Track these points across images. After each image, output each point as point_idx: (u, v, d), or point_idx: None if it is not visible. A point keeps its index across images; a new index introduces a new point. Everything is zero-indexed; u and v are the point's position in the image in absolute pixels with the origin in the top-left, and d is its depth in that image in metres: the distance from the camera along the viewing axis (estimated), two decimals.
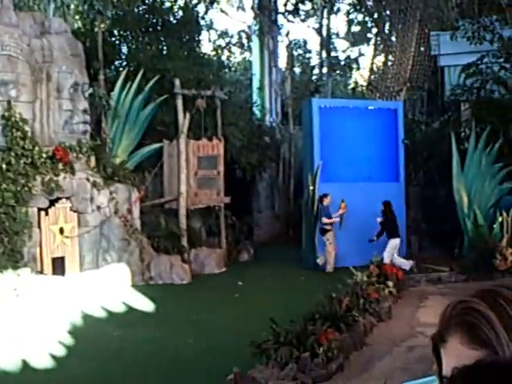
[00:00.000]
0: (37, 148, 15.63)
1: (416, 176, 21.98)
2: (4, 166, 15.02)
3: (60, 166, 16.06)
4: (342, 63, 36.66)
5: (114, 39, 21.28)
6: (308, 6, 32.97)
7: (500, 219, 18.45)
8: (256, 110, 26.26)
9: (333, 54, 34.84)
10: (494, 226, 18.56)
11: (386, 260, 16.80)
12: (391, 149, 20.23)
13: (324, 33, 32.60)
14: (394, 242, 17.76)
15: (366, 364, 11.09)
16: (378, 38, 29.52)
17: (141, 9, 21.85)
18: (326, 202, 18.92)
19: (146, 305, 14.88)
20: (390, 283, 15.07)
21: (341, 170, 19.63)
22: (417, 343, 12.04)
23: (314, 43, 53.04)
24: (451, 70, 23.32)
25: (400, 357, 11.35)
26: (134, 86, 18.93)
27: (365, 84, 31.62)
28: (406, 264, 17.62)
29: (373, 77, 28.06)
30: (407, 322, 13.59)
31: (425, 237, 21.02)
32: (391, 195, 19.57)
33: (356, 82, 37.35)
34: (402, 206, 19.84)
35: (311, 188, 19.05)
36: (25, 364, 11.22)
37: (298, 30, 42.60)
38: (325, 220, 18.68)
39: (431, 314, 14.08)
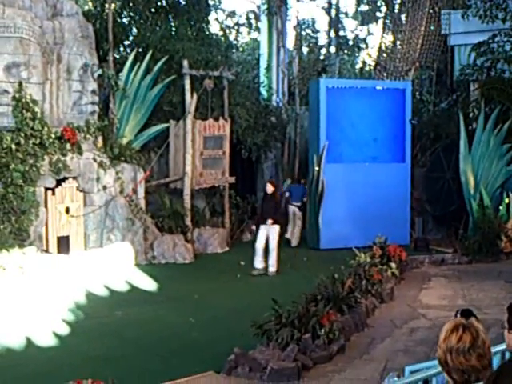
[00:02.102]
0: (46, 128, 15.75)
1: (422, 157, 21.92)
2: (13, 146, 15.16)
3: (68, 146, 16.18)
4: (350, 43, 36.47)
5: (123, 20, 21.29)
6: None
7: (506, 201, 18.44)
8: (263, 90, 26.19)
9: (341, 33, 34.69)
10: (500, 207, 18.55)
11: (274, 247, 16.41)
12: (398, 129, 20.19)
13: (333, 12, 32.43)
14: (278, 229, 16.63)
15: (368, 346, 11.15)
16: (387, 17, 29.32)
17: None
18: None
19: (148, 284, 14.99)
20: (393, 265, 15.11)
21: (347, 151, 19.64)
22: (419, 325, 12.09)
23: (322, 23, 52.77)
24: (461, 49, 23.18)
25: (402, 339, 11.40)
26: (143, 66, 18.96)
27: (373, 64, 31.43)
28: (273, 267, 16.47)
29: (381, 56, 27.90)
30: (409, 304, 13.63)
31: (429, 218, 21.00)
32: (397, 176, 19.60)
33: (364, 62, 37.19)
34: (407, 187, 19.85)
35: (316, 168, 19.06)
36: (28, 341, 11.34)
37: (307, 10, 42.21)
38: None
39: (434, 295, 14.14)
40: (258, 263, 16.21)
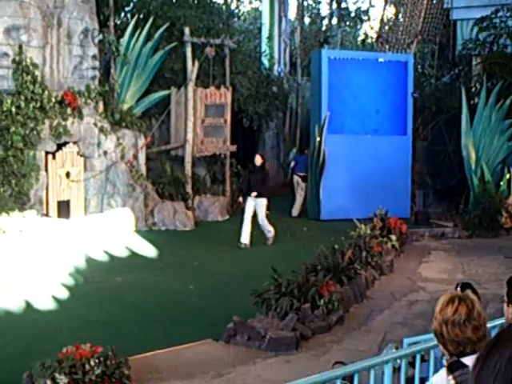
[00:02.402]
0: (46, 92, 15.66)
1: (424, 130, 21.86)
2: (14, 109, 15.09)
3: (68, 110, 16.10)
4: (352, 14, 36.19)
5: None
6: None
7: (507, 176, 18.41)
8: (264, 60, 26.06)
9: (343, 4, 34.38)
10: (501, 182, 18.52)
11: (263, 220, 16.31)
12: (400, 102, 20.11)
13: None
14: (265, 202, 16.34)
15: (366, 317, 11.19)
16: None
17: None
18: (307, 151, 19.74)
19: (148, 250, 14.99)
20: (393, 237, 15.12)
21: (348, 122, 19.57)
22: (418, 298, 12.13)
23: None
24: (464, 23, 23.02)
25: (400, 311, 11.44)
26: (144, 33, 18.81)
27: (375, 36, 31.24)
28: (270, 232, 16.45)
29: (383, 29, 27.72)
30: (409, 277, 13.66)
31: (430, 192, 20.98)
32: (398, 148, 19.56)
33: (366, 34, 37.00)
34: (408, 160, 19.80)
35: (318, 139, 19.00)
36: (28, 304, 11.37)
37: None
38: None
39: (433, 269, 14.17)
40: (245, 238, 15.99)
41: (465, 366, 3.42)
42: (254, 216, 16.08)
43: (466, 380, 3.35)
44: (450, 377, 3.46)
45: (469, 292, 3.72)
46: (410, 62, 20.39)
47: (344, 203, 18.58)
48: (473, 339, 3.46)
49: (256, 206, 16.06)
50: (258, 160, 16.61)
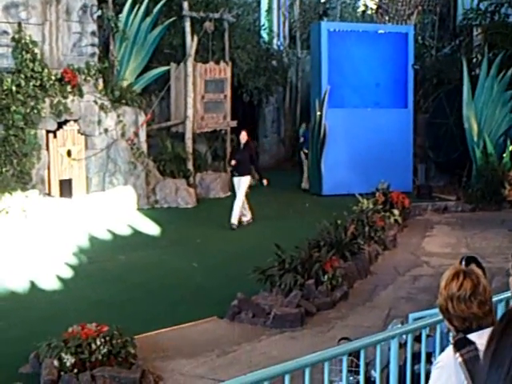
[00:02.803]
0: (46, 70, 15.60)
1: (425, 102, 21.76)
2: (14, 88, 15.04)
3: (68, 88, 16.04)
4: None
5: None
6: None
7: (510, 148, 18.33)
8: (264, 34, 25.90)
9: None
10: (504, 155, 18.44)
11: (240, 201, 15.63)
12: (400, 74, 19.98)
13: None
14: (248, 179, 15.92)
15: (371, 293, 11.20)
16: None
17: None
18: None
19: (151, 228, 14.98)
20: (396, 211, 15.10)
21: (349, 96, 19.45)
22: (421, 273, 12.13)
23: None
24: None
25: (404, 286, 11.45)
26: (142, 8, 18.66)
27: (374, 7, 30.99)
28: (246, 216, 15.91)
29: (383, 0, 27.48)
30: (412, 251, 13.66)
31: (432, 165, 20.91)
32: (399, 122, 19.47)
33: (365, 5, 36.66)
34: (409, 133, 19.72)
35: (318, 113, 18.91)
36: (32, 285, 11.38)
37: None
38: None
39: (437, 243, 14.16)
40: (247, 214, 15.79)
41: (472, 342, 3.40)
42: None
43: (473, 357, 3.31)
44: (457, 354, 3.44)
45: (473, 266, 3.69)
46: (411, 34, 20.24)
47: (346, 178, 18.51)
48: (479, 314, 3.44)
49: (239, 183, 15.63)
50: (244, 137, 15.99)
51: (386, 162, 18.59)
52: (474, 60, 20.74)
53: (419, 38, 23.91)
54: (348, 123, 18.99)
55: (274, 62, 23.92)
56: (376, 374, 6.37)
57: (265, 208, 16.94)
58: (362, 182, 17.34)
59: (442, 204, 17.71)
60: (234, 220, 15.41)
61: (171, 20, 19.15)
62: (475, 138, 18.87)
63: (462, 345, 3.44)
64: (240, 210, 15.58)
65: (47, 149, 15.62)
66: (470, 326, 3.44)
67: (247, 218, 15.81)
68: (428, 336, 6.17)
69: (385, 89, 19.91)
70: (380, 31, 20.42)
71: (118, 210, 15.56)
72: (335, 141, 18.84)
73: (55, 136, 15.82)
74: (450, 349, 3.52)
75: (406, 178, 19.09)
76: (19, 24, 15.35)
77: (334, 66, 19.11)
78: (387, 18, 24.10)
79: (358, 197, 14.93)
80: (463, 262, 6.73)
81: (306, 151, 20.09)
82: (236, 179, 15.83)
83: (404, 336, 6.27)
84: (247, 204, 15.78)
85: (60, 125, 15.92)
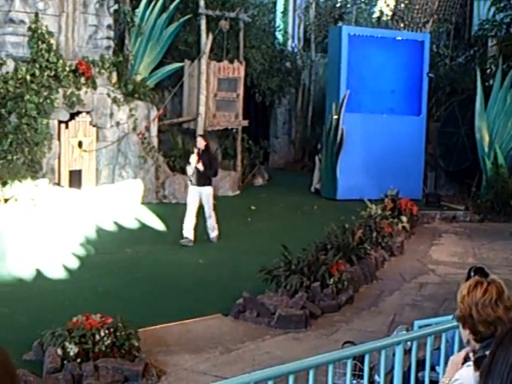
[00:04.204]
0: (61, 61, 15.65)
1: (437, 111, 21.72)
2: (28, 77, 15.11)
3: (82, 80, 16.07)
4: None
5: None
6: None
7: None
8: (278, 35, 25.92)
9: None
10: None
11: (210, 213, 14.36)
12: (415, 82, 19.92)
13: None
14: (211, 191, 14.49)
15: (376, 298, 11.19)
16: None
17: None
18: None
19: (158, 223, 14.97)
20: (404, 218, 15.09)
21: (365, 101, 19.33)
22: (428, 280, 12.11)
23: None
24: (481, 3, 22.80)
25: (410, 293, 11.43)
26: (159, 4, 18.70)
27: (390, 14, 30.96)
28: (214, 232, 14.41)
29: (399, 6, 27.45)
30: (419, 259, 13.64)
31: (442, 174, 20.87)
32: (412, 129, 19.42)
33: (381, 12, 36.64)
34: (421, 141, 19.65)
35: (335, 117, 18.79)
36: (39, 273, 11.40)
37: None
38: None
39: (444, 252, 14.14)
40: (188, 232, 13.97)
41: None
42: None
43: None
44: (478, 373, 3.43)
45: (495, 277, 3.68)
46: (427, 42, 20.18)
47: (359, 183, 18.34)
48: (504, 319, 3.43)
49: (201, 195, 14.08)
50: (201, 142, 14.39)
51: (398, 168, 18.51)
52: (488, 71, 20.70)
53: (434, 46, 23.88)
54: (364, 128, 18.89)
55: (288, 64, 23.93)
56: (380, 379, 6.37)
57: (274, 208, 16.93)
58: (374, 187, 17.14)
59: (450, 213, 17.69)
60: (188, 234, 13.92)
61: (187, 17, 19.20)
62: (486, 149, 18.81)
63: (482, 362, 3.43)
64: (190, 224, 13.98)
65: (59, 139, 15.66)
66: (496, 331, 3.43)
67: (215, 233, 14.32)
68: (435, 349, 6.18)
69: (399, 95, 19.87)
70: (398, 38, 20.37)
71: (126, 203, 15.56)
72: (351, 145, 18.72)
73: (67, 127, 15.86)
74: (469, 366, 3.50)
75: (416, 186, 19.01)
76: (36, 14, 15.42)
77: (352, 70, 19.04)
78: (402, 24, 24.10)
79: (367, 202, 14.91)
80: (472, 273, 6.72)
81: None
82: (194, 189, 14.15)
83: (408, 343, 6.26)
84: (194, 220, 14.07)
85: (72, 116, 15.96)
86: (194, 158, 14.12)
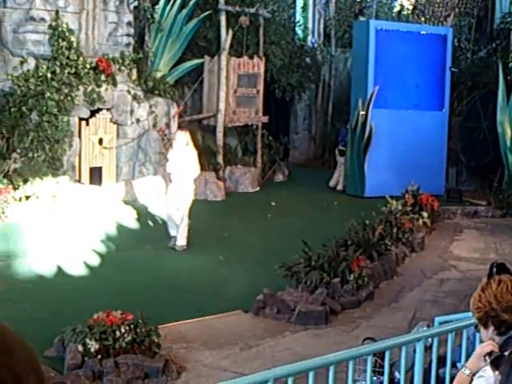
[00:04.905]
0: (81, 58, 15.70)
1: (458, 105, 21.57)
2: (49, 74, 15.18)
3: (102, 77, 16.11)
4: None
5: None
6: None
7: None
8: (298, 30, 25.86)
9: None
10: None
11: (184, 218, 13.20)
12: (437, 76, 19.79)
13: None
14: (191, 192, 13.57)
15: (396, 294, 11.15)
16: None
17: None
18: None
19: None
20: (425, 214, 15.01)
21: (391, 96, 19.16)
22: (449, 276, 12.05)
23: None
24: None
25: (431, 289, 11.39)
26: (179, 0, 18.71)
27: (410, 8, 30.77)
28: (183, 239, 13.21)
29: (420, 0, 27.27)
30: (440, 255, 13.57)
31: (463, 169, 20.74)
32: (435, 124, 19.29)
33: (402, 5, 36.45)
34: (444, 136, 19.51)
35: (362, 113, 18.64)
36: (59, 270, 11.46)
37: None
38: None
39: (465, 248, 14.06)
40: (174, 230, 13.22)
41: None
42: None
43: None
44: (497, 372, 3.44)
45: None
46: (449, 36, 20.02)
47: (386, 180, 17.97)
48: None
49: (179, 196, 13.13)
50: (182, 138, 13.42)
51: (421, 164, 18.30)
52: (510, 64, 20.52)
53: (455, 40, 23.72)
54: (390, 124, 18.69)
55: (308, 59, 23.86)
56: (400, 376, 6.35)
57: (294, 204, 16.90)
58: (400, 183, 16.72)
59: (471, 208, 17.57)
60: (182, 241, 13.15)
61: (207, 13, 19.19)
62: (508, 143, 18.65)
63: (499, 363, 3.44)
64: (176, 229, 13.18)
65: (79, 136, 15.71)
66: None
67: (182, 242, 13.21)
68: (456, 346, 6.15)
69: (423, 90, 19.74)
70: (422, 32, 20.21)
71: (146, 200, 15.60)
72: (377, 142, 18.57)
73: (87, 124, 15.91)
74: (487, 369, 3.51)
75: (438, 181, 18.86)
76: (57, 12, 15.47)
77: (378, 65, 18.91)
78: (423, 18, 23.93)
79: (388, 198, 14.84)
80: (494, 269, 6.68)
81: (341, 148, 19.93)
82: (174, 190, 13.28)
83: (429, 339, 6.24)
84: (187, 224, 13.25)
85: (93, 113, 16.00)
86: (173, 155, 13.22)
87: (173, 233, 13.22)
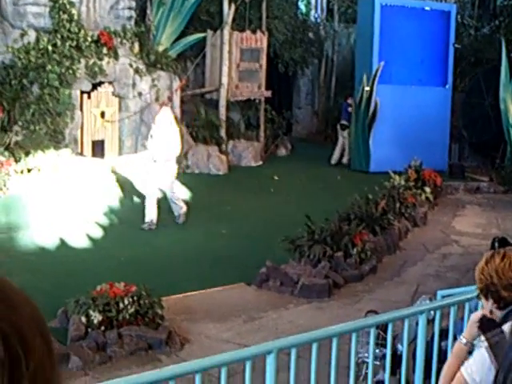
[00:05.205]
0: (82, 31, 15.60)
1: (461, 82, 21.49)
2: (50, 47, 15.10)
3: (104, 50, 16.03)
4: None
5: None
6: None
7: None
8: (301, 5, 25.71)
9: None
10: None
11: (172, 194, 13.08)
12: (441, 52, 19.69)
13: None
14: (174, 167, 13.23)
15: (399, 268, 11.17)
16: None
17: None
18: (350, 100, 19.26)
19: (181, 193, 14.96)
20: (428, 189, 15.00)
21: (396, 72, 19.06)
22: (451, 251, 12.07)
23: None
24: None
25: (433, 264, 11.40)
26: None
27: None
28: (182, 208, 13.11)
29: None
30: (442, 230, 13.57)
31: (466, 145, 20.69)
32: (438, 100, 19.21)
33: None
34: (447, 112, 19.42)
35: (367, 89, 18.54)
36: (62, 242, 11.48)
37: None
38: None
39: (467, 223, 14.07)
40: (151, 214, 12.74)
41: (498, 325, 3.39)
42: None
43: (500, 341, 3.29)
44: (483, 337, 3.41)
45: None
46: (453, 12, 19.89)
47: (390, 155, 17.85)
48: None
49: (163, 172, 12.74)
50: (165, 114, 13.03)
51: (425, 139, 18.25)
52: None
53: (458, 16, 23.58)
54: (395, 100, 18.59)
55: (311, 34, 23.73)
56: (403, 348, 6.36)
57: (297, 178, 16.87)
58: (403, 159, 16.64)
59: (474, 184, 17.56)
60: (182, 217, 13.02)
61: None
62: (511, 120, 18.62)
63: (487, 327, 3.42)
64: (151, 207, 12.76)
65: (81, 109, 15.66)
66: None
67: (183, 210, 13.05)
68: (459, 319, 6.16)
69: (426, 66, 19.64)
70: (426, 8, 20.07)
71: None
72: (382, 117, 18.49)
73: (89, 97, 15.85)
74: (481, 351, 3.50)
75: (441, 157, 18.83)
76: None
77: (383, 40, 18.80)
78: None
79: (391, 173, 14.82)
80: (496, 244, 6.68)
81: (344, 122, 19.81)
82: (155, 166, 12.77)
83: (432, 312, 6.25)
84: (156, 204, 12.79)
85: (94, 86, 15.94)
86: (156, 132, 12.71)
87: (150, 216, 12.59)
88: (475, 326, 3.54)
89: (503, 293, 3.44)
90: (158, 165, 12.68)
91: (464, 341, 3.62)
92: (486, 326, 3.43)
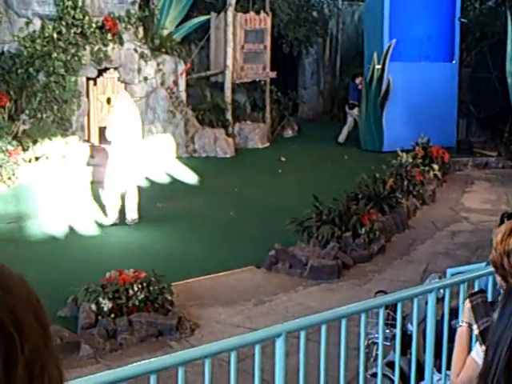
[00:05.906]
0: (87, 18, 15.60)
1: (467, 56, 21.34)
2: (55, 35, 15.13)
3: (109, 36, 16.02)
4: None
5: None
6: None
7: None
8: None
9: None
10: None
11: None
12: (447, 27, 19.53)
13: None
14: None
15: (408, 247, 11.15)
16: None
17: None
18: (358, 80, 19.05)
19: (189, 177, 15.00)
20: (436, 166, 14.94)
21: (405, 49, 18.90)
22: (460, 228, 12.03)
23: None
24: None
25: (442, 241, 11.38)
26: None
27: None
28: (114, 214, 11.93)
29: None
30: (451, 207, 13.53)
31: (473, 120, 20.57)
32: (445, 76, 19.08)
33: None
34: (455, 88, 19.27)
35: (378, 67, 18.39)
36: (70, 229, 11.51)
37: None
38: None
39: (476, 199, 14.02)
40: (114, 210, 11.96)
41: (484, 291, 3.60)
42: None
43: (481, 302, 3.47)
44: (467, 301, 3.50)
45: None
46: None
47: (402, 133, 17.54)
48: None
49: (125, 167, 11.90)
50: (125, 99, 12.26)
51: (434, 116, 18.14)
52: None
53: None
54: (405, 77, 18.41)
55: (315, 13, 23.59)
56: (412, 328, 6.36)
57: (304, 159, 16.84)
58: (414, 137, 16.50)
59: (482, 160, 17.47)
60: (134, 214, 12.06)
61: None
62: None
63: (473, 293, 3.48)
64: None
65: (87, 96, 15.69)
66: None
67: (113, 217, 11.93)
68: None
69: (433, 42, 19.50)
70: None
71: (156, 158, 15.59)
72: (394, 95, 18.34)
73: (95, 83, 15.88)
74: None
75: (450, 133, 18.70)
76: None
77: (392, 17, 18.65)
78: None
79: (398, 151, 14.76)
80: (505, 219, 6.64)
81: (352, 102, 19.67)
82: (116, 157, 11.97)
83: (441, 290, 6.23)
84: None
85: (100, 72, 15.95)
86: (115, 119, 11.92)
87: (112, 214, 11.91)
88: (466, 311, 3.57)
89: (509, 278, 3.41)
90: (118, 153, 11.91)
91: (464, 324, 3.62)
92: (474, 293, 3.48)
